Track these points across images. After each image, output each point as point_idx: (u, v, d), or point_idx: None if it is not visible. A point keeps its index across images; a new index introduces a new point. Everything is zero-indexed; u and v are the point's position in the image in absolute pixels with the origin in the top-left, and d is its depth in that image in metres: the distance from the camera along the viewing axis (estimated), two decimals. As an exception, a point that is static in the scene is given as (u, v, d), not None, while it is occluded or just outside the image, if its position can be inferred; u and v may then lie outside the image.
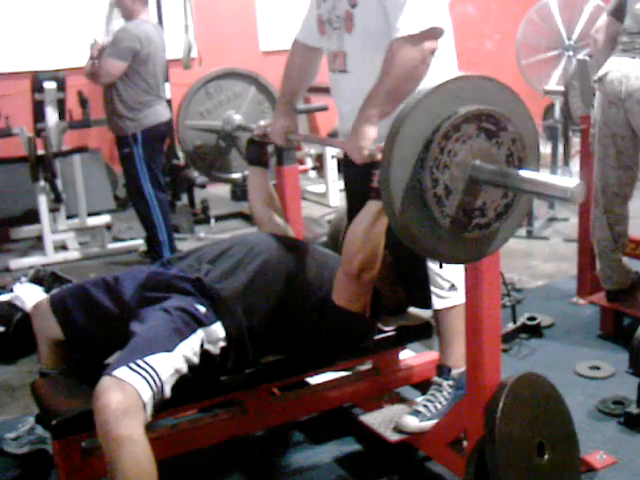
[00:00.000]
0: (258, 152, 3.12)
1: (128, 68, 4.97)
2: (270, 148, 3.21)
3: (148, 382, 2.15)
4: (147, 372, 2.16)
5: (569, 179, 1.81)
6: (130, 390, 2.10)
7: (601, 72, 3.70)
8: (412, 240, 1.97)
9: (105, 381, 2.12)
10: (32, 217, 6.30)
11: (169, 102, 7.26)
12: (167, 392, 2.22)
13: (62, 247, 6.28)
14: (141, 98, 5.05)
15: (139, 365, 2.16)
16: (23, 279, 4.66)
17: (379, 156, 2.41)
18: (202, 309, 2.43)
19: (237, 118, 3.25)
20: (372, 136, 2.52)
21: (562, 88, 5.34)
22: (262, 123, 3.10)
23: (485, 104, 1.96)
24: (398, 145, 1.88)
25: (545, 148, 6.58)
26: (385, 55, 2.52)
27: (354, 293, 2.47)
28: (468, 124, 1.92)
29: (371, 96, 2.53)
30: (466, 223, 1.98)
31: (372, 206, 2.41)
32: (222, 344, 2.47)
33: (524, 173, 1.93)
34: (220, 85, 3.27)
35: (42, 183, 5.78)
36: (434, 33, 2.50)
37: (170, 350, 2.26)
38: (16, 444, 2.94)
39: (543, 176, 1.91)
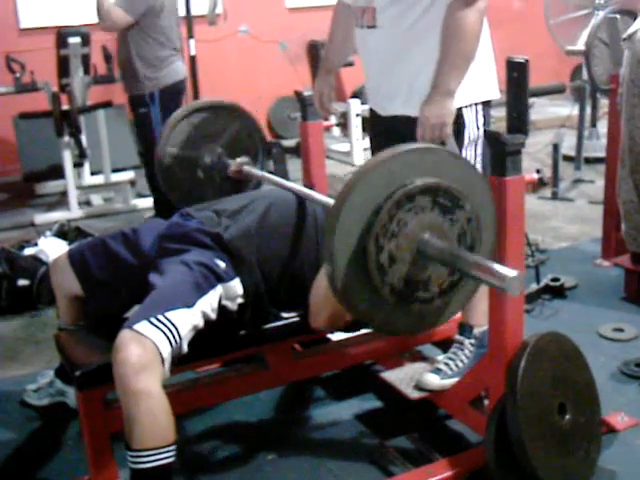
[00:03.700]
0: (233, 188, 3.11)
1: (144, 21, 4.75)
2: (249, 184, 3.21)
3: (168, 337, 2.15)
4: (167, 327, 2.16)
5: (509, 270, 1.77)
6: (150, 345, 2.11)
7: (631, 30, 3.64)
8: (351, 306, 1.93)
9: (125, 335, 2.12)
10: (56, 172, 6.34)
11: (193, 59, 7.27)
12: (185, 348, 2.23)
13: (86, 203, 6.31)
14: (159, 52, 4.84)
15: (159, 320, 2.16)
16: (48, 233, 4.69)
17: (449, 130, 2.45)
18: (222, 265, 2.42)
19: (218, 151, 3.20)
20: (454, 110, 2.51)
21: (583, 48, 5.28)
22: (238, 160, 3.11)
23: (445, 179, 1.90)
24: (348, 207, 1.82)
25: (572, 109, 6.52)
26: (446, 22, 2.49)
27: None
28: (423, 196, 1.87)
29: (446, 67, 2.48)
30: (408, 295, 1.92)
31: None
32: (240, 300, 2.47)
33: (467, 256, 1.88)
34: (204, 117, 3.20)
35: (66, 138, 5.80)
36: None
37: (190, 306, 2.26)
38: (37, 396, 2.98)
39: (485, 262, 1.85)
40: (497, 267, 1.80)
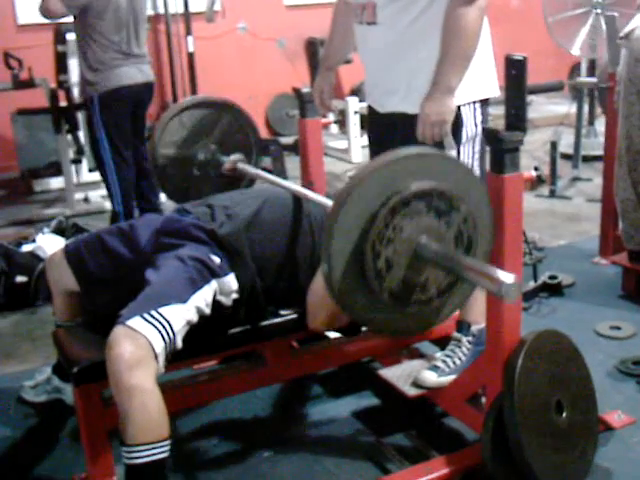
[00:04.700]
0: (227, 186, 3.11)
1: (85, 21, 4.53)
2: (244, 180, 3.20)
3: (161, 333, 2.15)
4: (160, 323, 2.16)
5: (506, 274, 1.76)
6: (143, 341, 2.11)
7: (628, 28, 3.64)
8: (349, 309, 1.94)
9: (118, 331, 2.12)
10: (54, 169, 6.33)
11: (191, 56, 7.26)
12: (179, 343, 2.22)
13: (84, 199, 6.30)
14: (100, 56, 4.57)
15: (153, 316, 2.16)
16: (45, 230, 4.69)
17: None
18: (216, 260, 2.42)
19: (211, 148, 3.18)
20: (454, 107, 2.52)
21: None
22: (232, 157, 3.11)
23: (439, 182, 1.90)
24: (344, 214, 1.83)
25: (570, 107, 6.52)
26: (447, 20, 2.49)
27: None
28: (418, 201, 1.87)
29: (447, 65, 2.48)
30: (406, 298, 1.93)
31: None
32: (235, 296, 2.46)
33: (464, 260, 1.89)
34: (194, 114, 3.17)
35: (64, 135, 5.79)
36: None
37: (184, 301, 2.26)
38: (34, 392, 2.98)
39: (482, 266, 1.86)
40: (494, 273, 1.80)
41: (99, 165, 4.84)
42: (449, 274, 1.96)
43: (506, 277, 1.75)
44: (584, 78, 6.02)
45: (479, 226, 1.99)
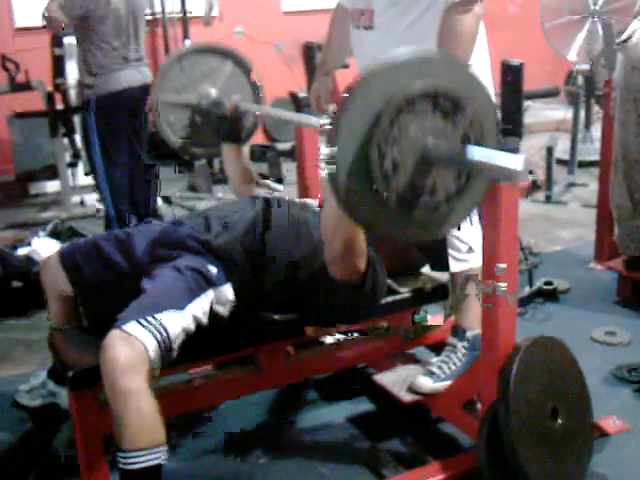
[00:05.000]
0: (230, 127, 3.11)
1: (86, 26, 4.48)
2: (246, 123, 3.20)
3: (157, 339, 2.13)
4: (157, 329, 2.15)
5: (515, 160, 1.77)
6: (138, 346, 2.10)
7: (624, 35, 3.64)
8: (356, 215, 1.91)
9: (114, 334, 2.11)
10: (50, 173, 6.33)
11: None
12: (175, 351, 2.21)
13: (80, 203, 6.30)
14: (100, 60, 4.52)
15: (149, 321, 2.15)
16: (41, 233, 4.69)
17: None
18: (213, 270, 2.41)
19: (213, 93, 3.19)
20: None
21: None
22: (233, 98, 3.10)
23: (444, 83, 1.88)
24: (348, 116, 1.80)
25: (566, 113, 6.53)
26: (443, 25, 2.52)
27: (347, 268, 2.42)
28: (423, 100, 1.84)
29: None
30: (413, 202, 1.89)
31: None
32: (231, 306, 2.45)
33: (471, 150, 1.86)
34: (195, 60, 3.19)
35: (61, 138, 5.78)
36: None
37: (181, 308, 2.25)
38: (29, 397, 2.97)
39: (489, 154, 1.85)
40: (501, 159, 1.80)
41: (92, 168, 4.78)
42: (457, 178, 1.93)
43: (514, 163, 1.76)
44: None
45: (485, 130, 1.96)
